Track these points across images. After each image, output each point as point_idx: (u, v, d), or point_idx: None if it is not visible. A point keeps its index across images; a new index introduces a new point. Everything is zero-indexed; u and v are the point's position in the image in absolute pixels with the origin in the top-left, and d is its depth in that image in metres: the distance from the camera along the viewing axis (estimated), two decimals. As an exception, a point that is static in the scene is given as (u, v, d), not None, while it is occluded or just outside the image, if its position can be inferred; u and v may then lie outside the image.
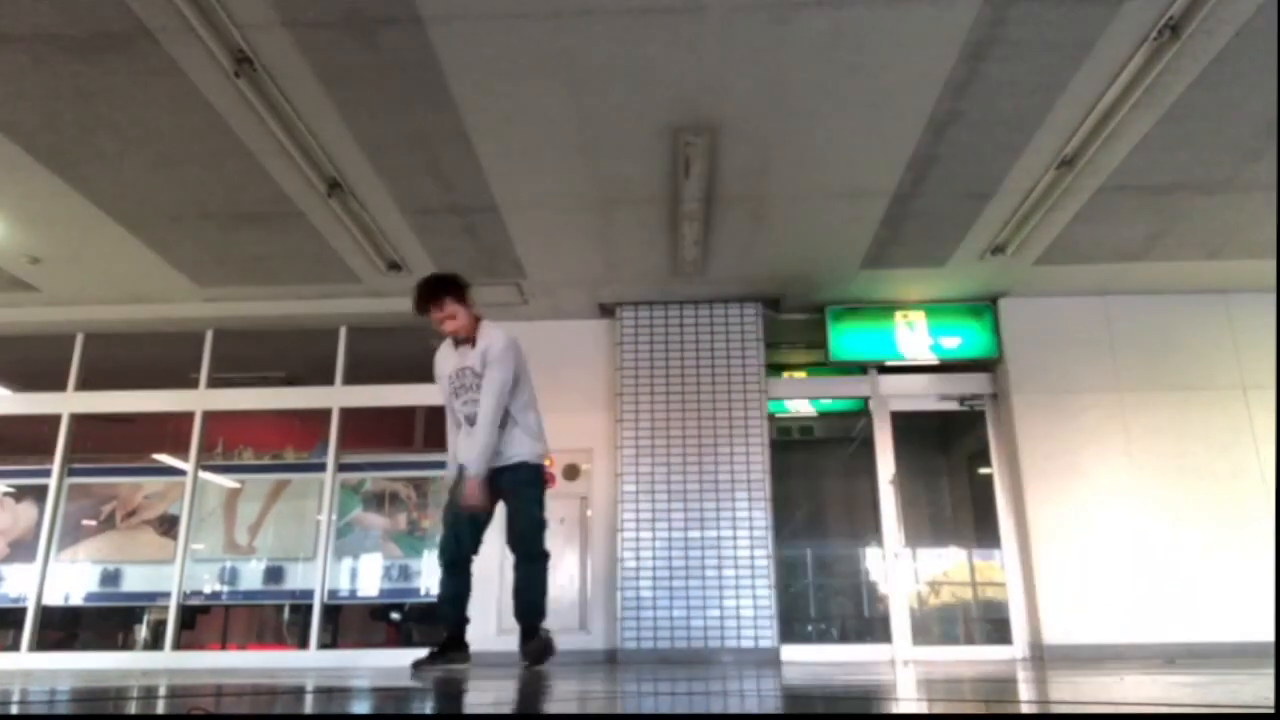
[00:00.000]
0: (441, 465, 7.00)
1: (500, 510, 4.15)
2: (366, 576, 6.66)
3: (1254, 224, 5.50)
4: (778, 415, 7.11)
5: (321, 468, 6.75)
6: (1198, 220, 5.48)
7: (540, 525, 4.11)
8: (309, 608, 6.46)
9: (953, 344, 6.70)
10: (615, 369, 6.63)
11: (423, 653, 4.10)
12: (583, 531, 6.49)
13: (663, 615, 6.07)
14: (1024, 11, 3.68)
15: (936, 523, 7.38)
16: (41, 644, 6.45)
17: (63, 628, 6.79)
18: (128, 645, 6.77)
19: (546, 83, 4.11)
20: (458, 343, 4.20)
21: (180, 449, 6.83)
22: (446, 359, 4.24)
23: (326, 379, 6.88)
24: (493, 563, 6.42)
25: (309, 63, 3.94)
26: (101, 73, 3.95)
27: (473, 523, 4.10)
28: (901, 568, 6.52)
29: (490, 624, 6.28)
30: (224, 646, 7.08)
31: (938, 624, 6.80)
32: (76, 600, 6.62)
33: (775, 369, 6.92)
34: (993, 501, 6.57)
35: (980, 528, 6.89)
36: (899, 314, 6.75)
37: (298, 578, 6.61)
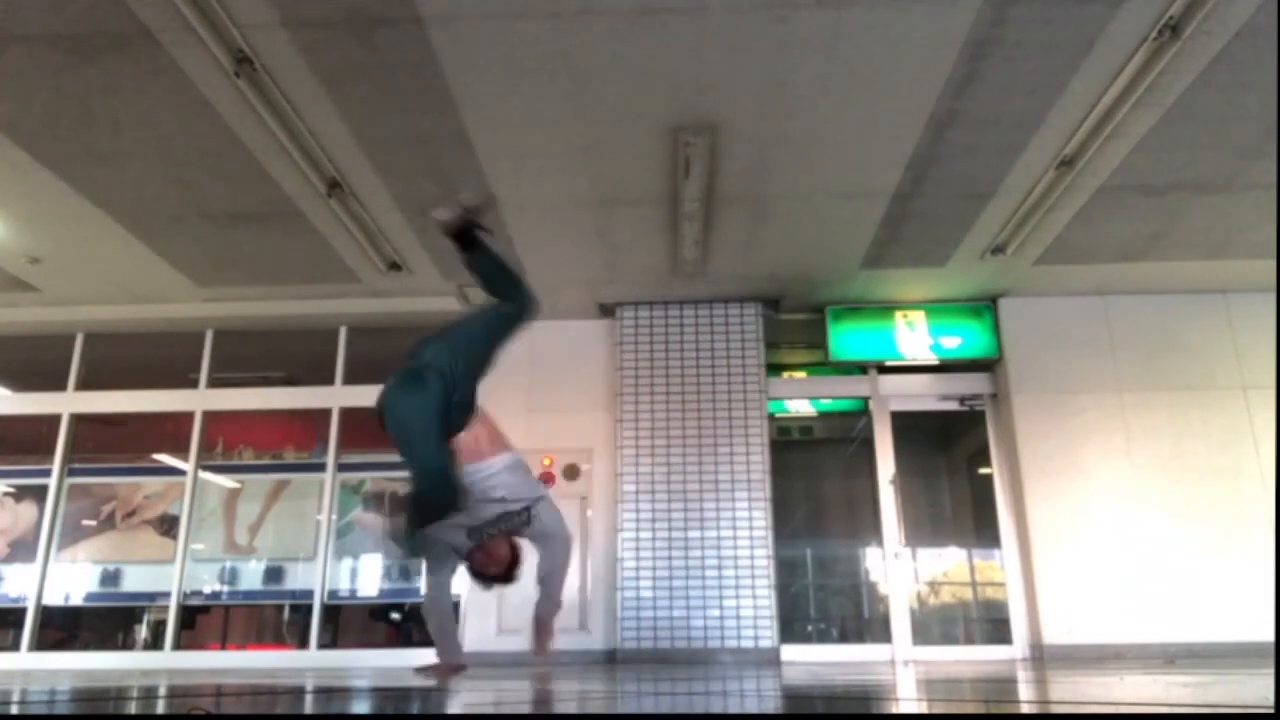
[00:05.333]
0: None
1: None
2: (366, 576, 6.67)
3: (1254, 224, 5.50)
4: (778, 415, 7.11)
5: (321, 468, 6.75)
6: (1198, 220, 5.48)
7: None
8: (309, 608, 6.46)
9: (953, 344, 6.69)
10: (615, 369, 6.63)
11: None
12: (583, 531, 6.49)
13: (663, 615, 6.07)
14: (1024, 11, 3.68)
15: (936, 523, 7.38)
16: (41, 644, 6.44)
17: (63, 628, 6.78)
18: (128, 645, 6.77)
19: (546, 83, 4.11)
20: None
21: (180, 449, 6.82)
22: None
23: (326, 379, 6.88)
24: (493, 563, 6.42)
25: (309, 63, 3.94)
26: (101, 73, 3.95)
27: None
28: (901, 568, 6.52)
29: (490, 624, 6.29)
30: (224, 646, 7.08)
31: (938, 624, 6.80)
32: (76, 600, 6.62)
33: (775, 369, 6.92)
34: (993, 501, 6.57)
35: (980, 528, 6.89)
36: (899, 314, 6.75)
37: (298, 578, 6.60)
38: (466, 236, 3.45)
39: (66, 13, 3.58)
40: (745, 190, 5.11)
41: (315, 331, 6.91)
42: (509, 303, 3.58)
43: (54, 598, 6.57)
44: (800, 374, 7.14)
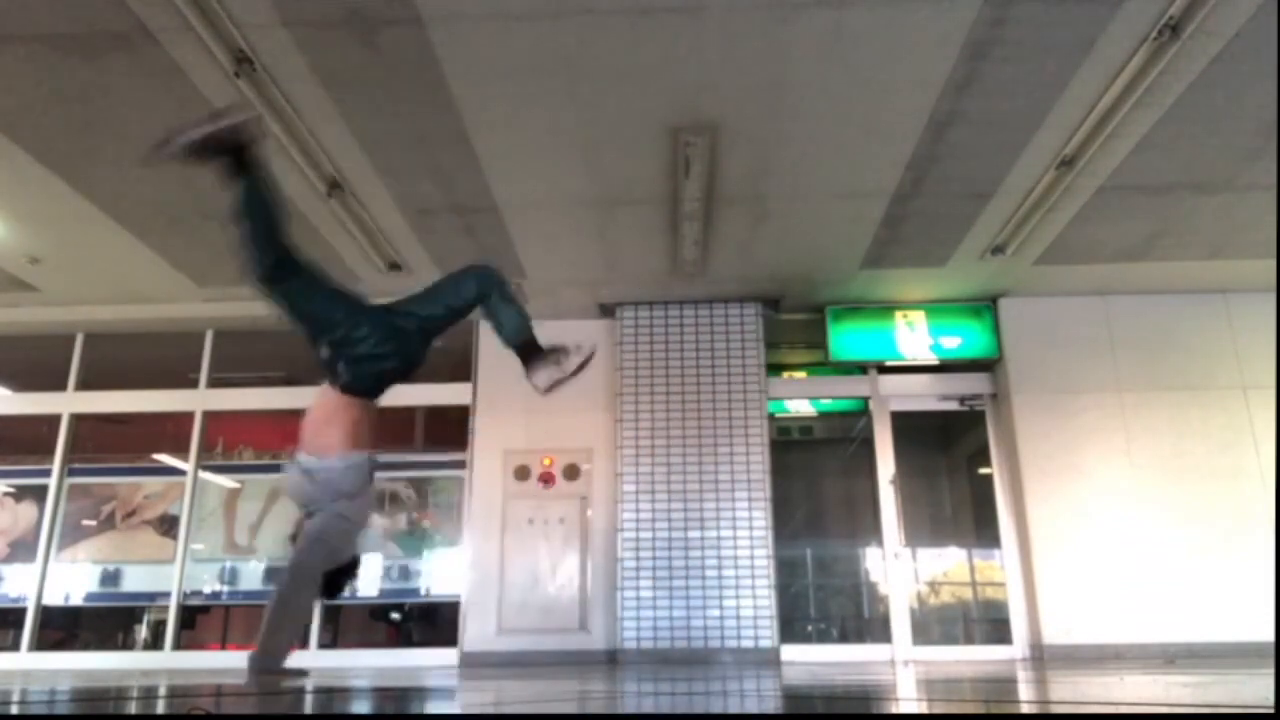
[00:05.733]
0: (443, 465, 7.08)
1: None
2: (366, 576, 6.66)
3: (1254, 224, 5.50)
4: (778, 415, 7.11)
5: (321, 468, 6.74)
6: (1198, 220, 5.48)
7: None
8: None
9: (953, 344, 6.69)
10: (615, 369, 6.63)
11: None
12: (583, 531, 6.49)
13: (663, 615, 6.07)
14: (1024, 11, 3.68)
15: (936, 523, 7.38)
16: (41, 644, 6.45)
17: (63, 628, 6.78)
18: (128, 645, 6.77)
19: (546, 83, 4.11)
20: None
21: (180, 449, 6.82)
22: None
23: (326, 379, 6.87)
24: (492, 563, 6.42)
25: (309, 63, 3.93)
26: (101, 73, 3.95)
27: None
28: (901, 568, 6.52)
29: (490, 624, 6.28)
30: (224, 646, 7.08)
31: (938, 624, 6.80)
32: (76, 600, 6.62)
33: (775, 369, 6.92)
34: (993, 501, 6.57)
35: (980, 528, 6.88)
36: (899, 314, 6.75)
37: (298, 578, 6.60)
38: (237, 155, 2.85)
39: (66, 13, 3.58)
40: (745, 190, 5.10)
41: (315, 331, 6.90)
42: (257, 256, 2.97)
43: (54, 598, 6.56)
44: (800, 374, 7.14)
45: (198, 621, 6.83)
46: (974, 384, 6.82)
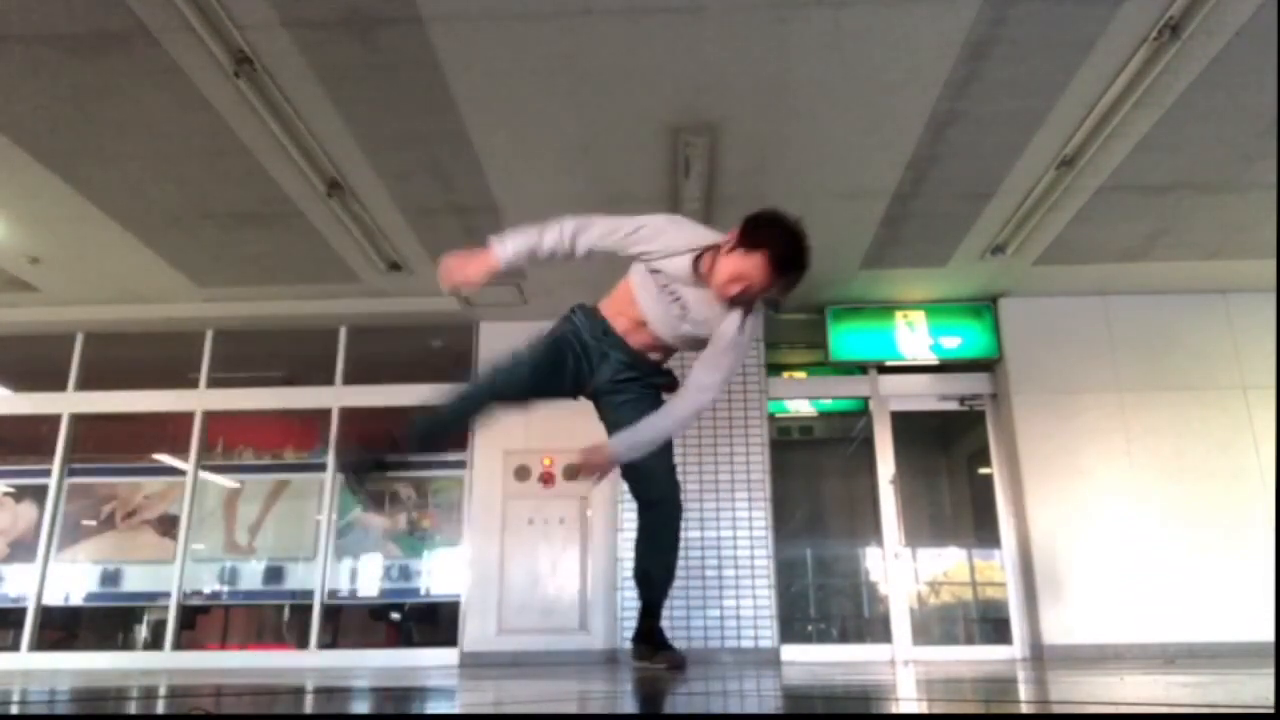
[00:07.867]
0: (443, 465, 7.07)
1: None
2: (366, 576, 6.66)
3: (1254, 224, 5.50)
4: (778, 415, 7.11)
5: (321, 468, 6.75)
6: (1198, 220, 5.48)
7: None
8: (309, 608, 6.45)
9: (953, 344, 6.69)
10: (615, 369, 6.62)
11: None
12: (583, 531, 6.49)
13: (663, 615, 6.06)
14: (1024, 11, 3.68)
15: (936, 523, 7.38)
16: (41, 644, 6.45)
17: (63, 628, 6.78)
18: (128, 645, 6.76)
19: (546, 83, 4.11)
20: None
21: (180, 449, 6.82)
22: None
23: (326, 379, 6.88)
24: (492, 563, 6.42)
25: (309, 63, 3.94)
26: (101, 73, 3.95)
27: None
28: (901, 568, 6.52)
29: (490, 624, 6.28)
30: (224, 646, 7.08)
31: (938, 624, 6.80)
32: (76, 600, 6.62)
33: (775, 369, 6.92)
34: (993, 501, 6.57)
35: (980, 528, 6.88)
36: (899, 314, 6.75)
37: (298, 578, 6.60)
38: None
39: (66, 13, 3.58)
40: (745, 190, 5.10)
41: (315, 331, 6.91)
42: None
43: (54, 598, 6.56)
44: (800, 374, 7.14)
45: (197, 621, 6.83)
46: (974, 384, 6.82)
